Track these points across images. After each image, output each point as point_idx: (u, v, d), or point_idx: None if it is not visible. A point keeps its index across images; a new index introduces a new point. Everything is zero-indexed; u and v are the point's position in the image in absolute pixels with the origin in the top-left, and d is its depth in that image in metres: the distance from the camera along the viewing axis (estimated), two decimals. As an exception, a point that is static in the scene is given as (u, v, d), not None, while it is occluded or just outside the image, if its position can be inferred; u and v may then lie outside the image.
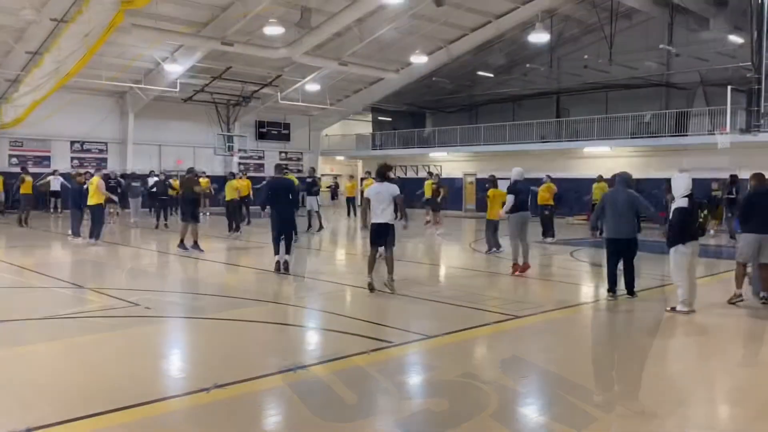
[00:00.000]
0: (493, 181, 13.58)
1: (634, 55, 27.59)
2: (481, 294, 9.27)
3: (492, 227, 13.68)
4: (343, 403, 4.77)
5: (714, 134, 21.76)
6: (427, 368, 5.84)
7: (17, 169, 27.67)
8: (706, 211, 8.04)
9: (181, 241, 13.73)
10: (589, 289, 10.54)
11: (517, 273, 10.72)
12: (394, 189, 9.04)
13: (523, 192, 10.98)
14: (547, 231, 16.39)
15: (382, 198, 8.94)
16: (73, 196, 15.64)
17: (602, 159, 27.90)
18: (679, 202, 7.95)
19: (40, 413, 4.41)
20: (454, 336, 6.74)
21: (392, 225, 9.05)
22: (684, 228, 7.87)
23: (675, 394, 5.15)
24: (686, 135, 24.68)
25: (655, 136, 25.81)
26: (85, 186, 15.32)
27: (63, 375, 5.33)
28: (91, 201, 14.89)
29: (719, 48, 25.20)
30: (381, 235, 9.00)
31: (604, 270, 9.10)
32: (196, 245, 13.62)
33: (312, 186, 18.84)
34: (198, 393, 4.83)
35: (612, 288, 8.68)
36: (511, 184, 11.11)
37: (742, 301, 8.33)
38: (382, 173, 9.24)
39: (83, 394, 4.83)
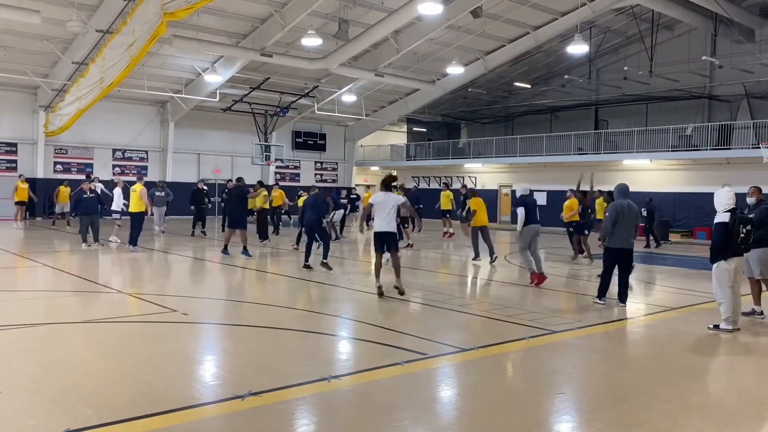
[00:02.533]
0: (472, 191, 15.00)
1: (676, 66, 27.10)
2: (515, 307, 9.14)
3: (476, 234, 14.54)
4: (378, 415, 4.73)
5: (759, 147, 21.18)
6: (462, 382, 5.77)
7: (62, 176, 28.51)
8: (749, 227, 7.79)
9: (225, 247, 14.32)
10: (630, 305, 10.30)
11: (534, 283, 11.05)
12: (399, 198, 9.81)
13: (530, 205, 11.44)
14: (575, 249, 15.93)
15: (385, 206, 9.49)
16: (90, 204, 15.75)
17: (642, 172, 27.40)
18: (720, 216, 7.75)
19: (80, 415, 4.49)
20: (488, 350, 6.66)
21: (395, 233, 9.76)
22: (726, 243, 7.66)
23: (721, 413, 4.99)
24: (729, 148, 24.09)
25: (696, 150, 25.25)
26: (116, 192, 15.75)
27: (101, 378, 5.42)
28: (133, 208, 15.19)
29: (765, 59, 24.58)
30: (385, 243, 9.61)
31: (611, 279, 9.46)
32: (245, 250, 14.28)
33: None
34: (233, 400, 4.87)
35: (603, 295, 9.32)
36: (518, 198, 11.86)
37: None
38: (387, 183, 9.75)
39: (121, 397, 4.90)
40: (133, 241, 15.15)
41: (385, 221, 9.48)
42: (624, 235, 9.03)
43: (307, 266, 12.37)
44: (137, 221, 15.25)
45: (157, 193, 20.15)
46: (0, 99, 26.85)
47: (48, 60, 24.58)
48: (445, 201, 21.52)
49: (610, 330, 7.99)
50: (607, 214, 9.10)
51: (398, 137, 39.56)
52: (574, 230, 15.81)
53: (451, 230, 21.37)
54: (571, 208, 15.82)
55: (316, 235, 12.62)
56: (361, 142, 38.63)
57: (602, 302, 9.31)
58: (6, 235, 19.36)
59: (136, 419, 4.42)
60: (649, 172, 27.22)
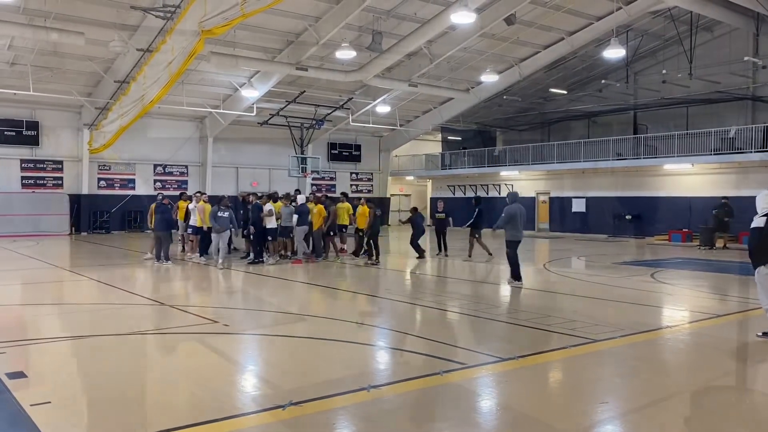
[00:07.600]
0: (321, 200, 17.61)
1: (717, 68, 26.47)
2: (554, 316, 9.03)
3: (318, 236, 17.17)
4: (418, 425, 4.73)
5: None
6: (502, 392, 5.72)
7: (105, 192, 29.36)
8: None
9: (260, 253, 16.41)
10: (670, 312, 10.09)
11: (295, 263, 15.72)
12: (292, 209, 15.97)
13: (303, 212, 15.96)
14: (357, 251, 17.29)
15: (289, 214, 15.90)
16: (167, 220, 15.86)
17: (683, 176, 26.81)
18: (756, 221, 7.50)
19: (126, 425, 4.60)
20: (528, 359, 6.59)
21: (293, 227, 15.98)
22: (764, 248, 7.42)
23: (769, 425, 4.84)
24: (775, 150, 23.38)
25: (740, 152, 24.57)
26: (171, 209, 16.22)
27: (146, 389, 5.55)
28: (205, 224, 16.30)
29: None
30: (287, 233, 16.29)
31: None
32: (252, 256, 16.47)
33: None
34: (274, 410, 4.92)
35: (519, 277, 11.84)
36: (297, 206, 16.16)
37: None
38: (292, 200, 16.37)
39: (165, 407, 5.01)
40: (203, 251, 16.54)
41: (288, 221, 15.97)
42: (517, 231, 11.91)
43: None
44: (208, 235, 16.52)
45: (219, 214, 15.11)
46: (47, 118, 27.82)
47: (91, 79, 25.38)
48: (342, 215, 17.73)
49: (654, 338, 7.82)
50: (502, 215, 11.90)
51: (433, 146, 39.54)
52: (364, 233, 16.68)
53: (345, 246, 18.46)
54: (363, 215, 16.75)
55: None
56: (395, 152, 38.74)
57: (520, 283, 11.78)
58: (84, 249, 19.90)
59: (179, 429, 4.51)
60: (691, 177, 26.61)
